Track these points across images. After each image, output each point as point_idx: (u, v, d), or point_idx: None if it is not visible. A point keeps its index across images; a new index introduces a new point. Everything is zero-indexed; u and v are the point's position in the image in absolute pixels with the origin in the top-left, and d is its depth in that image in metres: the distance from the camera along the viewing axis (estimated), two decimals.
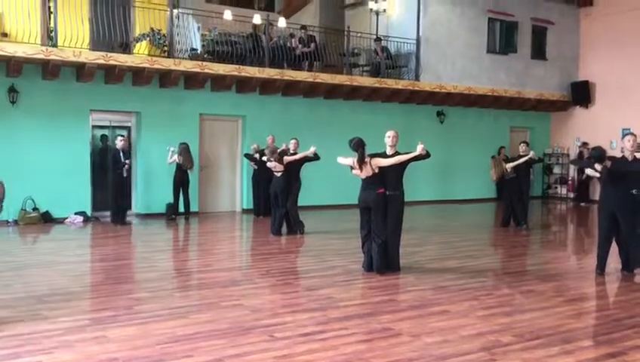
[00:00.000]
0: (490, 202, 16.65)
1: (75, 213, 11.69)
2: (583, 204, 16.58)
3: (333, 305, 5.70)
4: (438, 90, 15.31)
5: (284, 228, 10.29)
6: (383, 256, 7.05)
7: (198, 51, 12.79)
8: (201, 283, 6.82)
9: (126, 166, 11.33)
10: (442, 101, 15.97)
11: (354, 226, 11.82)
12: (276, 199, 10.15)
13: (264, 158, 10.65)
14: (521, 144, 11.71)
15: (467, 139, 16.90)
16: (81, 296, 6.06)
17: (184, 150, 12.02)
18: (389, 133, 7.37)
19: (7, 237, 10.22)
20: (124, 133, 13.17)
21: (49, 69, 11.03)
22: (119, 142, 11.40)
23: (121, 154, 11.34)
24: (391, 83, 14.61)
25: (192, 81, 12.62)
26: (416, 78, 15.10)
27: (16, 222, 11.18)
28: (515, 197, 11.47)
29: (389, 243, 7.14)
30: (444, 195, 16.55)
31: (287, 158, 10.04)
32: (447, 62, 15.66)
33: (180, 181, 12.11)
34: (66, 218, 11.58)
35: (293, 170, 10.15)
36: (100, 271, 7.49)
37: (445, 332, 4.91)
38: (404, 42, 15.01)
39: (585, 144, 16.39)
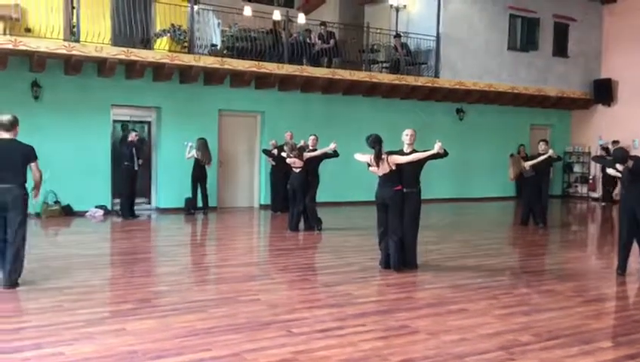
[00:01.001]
0: (509, 200, 16.51)
1: (96, 207, 11.83)
2: (603, 204, 16.36)
3: (350, 302, 5.70)
4: (457, 87, 15.21)
5: (301, 224, 10.30)
6: (399, 253, 7.02)
7: (218, 47, 12.85)
8: (219, 277, 6.87)
9: (139, 161, 11.48)
10: (462, 98, 15.86)
11: (372, 223, 11.81)
12: (294, 195, 10.17)
13: (283, 154, 10.65)
14: (541, 142, 11.55)
15: (486, 136, 16.76)
16: (101, 289, 6.15)
17: (202, 145, 12.10)
18: (407, 132, 7.35)
19: (29, 230, 10.21)
20: (145, 127, 13.31)
21: (71, 64, 11.16)
22: (132, 136, 11.52)
23: (134, 148, 11.45)
24: (410, 80, 14.55)
25: (212, 76, 12.68)
26: (436, 74, 15.01)
27: (38, 214, 11.35)
28: (534, 197, 11.37)
29: (406, 240, 7.11)
30: (462, 193, 16.45)
31: (306, 154, 10.05)
32: (467, 58, 15.54)
33: (198, 176, 12.19)
34: (87, 211, 11.72)
35: (311, 166, 10.16)
36: (120, 264, 7.58)
37: (463, 331, 4.89)
38: (423, 39, 14.93)
39: (615, 142, 15.89)
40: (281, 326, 4.89)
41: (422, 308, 5.57)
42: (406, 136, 7.34)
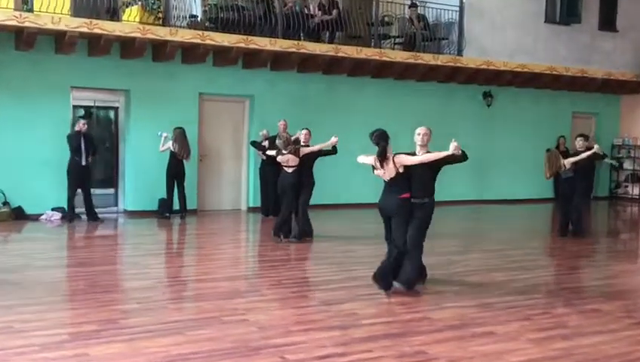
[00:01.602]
0: (546, 203, 16.53)
1: (53, 209, 11.84)
2: None
3: (355, 323, 5.72)
4: (484, 67, 15.22)
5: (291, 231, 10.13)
6: (389, 266, 6.86)
7: (199, 19, 12.86)
8: (200, 293, 6.88)
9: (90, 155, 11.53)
10: (490, 80, 15.87)
11: (379, 229, 11.86)
12: (283, 197, 10.11)
13: (271, 152, 10.48)
14: (578, 138, 11.23)
15: (519, 126, 16.79)
16: (59, 307, 6.17)
17: (179, 136, 12.11)
18: (420, 131, 7.11)
19: None
20: (111, 114, 13.34)
21: (23, 39, 11.17)
22: (80, 125, 11.52)
23: (82, 139, 11.46)
24: (428, 58, 14.56)
25: (191, 54, 12.69)
26: (459, 52, 15.02)
27: None
28: (570, 201, 11.12)
29: (408, 255, 6.86)
30: (489, 194, 16.47)
31: (304, 150, 9.96)
32: (496, 33, 15.56)
33: (175, 173, 12.20)
34: (42, 214, 11.74)
35: (306, 164, 10.07)
36: (82, 277, 7.57)
37: (490, 358, 4.90)
38: (444, 9, 14.94)
39: None
40: (274, 351, 4.91)
41: (441, 330, 5.59)
42: (418, 135, 7.10)
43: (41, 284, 7.04)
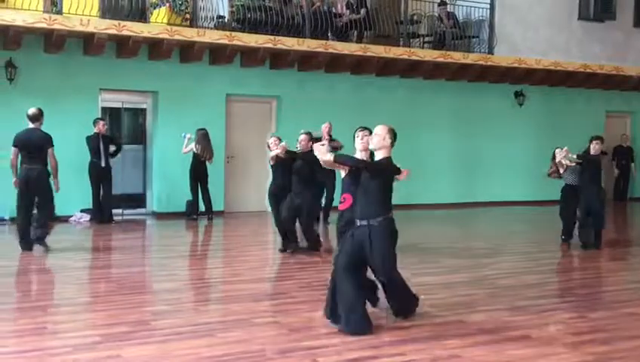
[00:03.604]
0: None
1: (82, 211, 12.01)
2: None
3: (386, 326, 5.72)
4: (516, 65, 15.11)
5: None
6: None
7: (226, 19, 12.96)
8: (229, 295, 6.93)
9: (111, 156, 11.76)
10: (522, 79, 15.76)
11: (410, 231, 11.84)
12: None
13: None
14: (594, 142, 9.99)
15: (552, 125, 16.60)
16: (90, 308, 6.26)
17: (202, 137, 12.22)
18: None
19: (2, 238, 10.62)
20: (139, 116, 13.51)
21: (52, 41, 11.36)
22: (99, 127, 11.67)
23: (101, 141, 11.62)
24: (458, 57, 14.49)
25: (219, 55, 12.80)
26: (490, 50, 14.93)
27: (12, 219, 11.55)
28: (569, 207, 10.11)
29: None
30: (523, 195, 16.31)
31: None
32: (528, 31, 15.44)
33: (198, 174, 12.32)
34: (71, 216, 11.91)
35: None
36: (112, 278, 7.71)
37: None
38: (475, 7, 14.86)
39: None
40: (305, 354, 4.93)
41: (475, 334, 5.56)
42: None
43: (72, 285, 7.16)
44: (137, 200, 13.28)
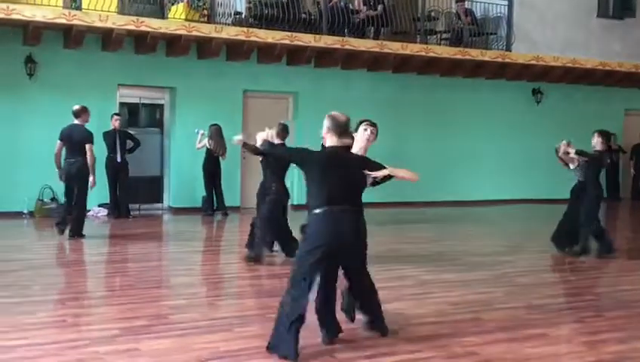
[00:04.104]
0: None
1: (99, 205, 12.09)
2: None
3: (403, 322, 5.71)
4: (534, 62, 15.02)
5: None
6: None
7: (243, 15, 12.98)
8: (246, 290, 6.96)
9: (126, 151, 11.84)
10: (539, 76, 15.67)
11: (428, 228, 11.82)
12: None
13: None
14: (594, 134, 9.26)
15: (570, 123, 16.41)
16: (109, 302, 6.31)
17: (215, 133, 12.26)
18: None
19: (22, 231, 10.73)
20: (157, 111, 13.57)
21: (72, 37, 11.44)
22: (114, 122, 11.74)
23: (117, 136, 11.69)
24: (476, 54, 14.43)
25: (236, 51, 12.82)
26: (508, 47, 14.86)
27: (31, 213, 11.68)
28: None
29: None
30: (540, 193, 16.22)
31: None
32: (546, 28, 15.35)
33: (211, 169, 12.37)
34: (89, 210, 11.98)
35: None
36: (130, 273, 7.76)
37: (544, 361, 4.85)
38: (492, 3, 14.79)
39: None
40: (321, 350, 4.93)
41: (492, 331, 5.54)
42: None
43: (91, 279, 7.23)
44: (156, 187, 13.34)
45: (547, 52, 15.18)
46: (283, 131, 8.09)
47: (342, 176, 4.90)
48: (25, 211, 11.64)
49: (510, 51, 14.84)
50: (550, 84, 16.10)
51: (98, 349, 4.80)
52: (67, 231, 9.45)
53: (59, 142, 9.46)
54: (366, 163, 5.14)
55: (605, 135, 9.35)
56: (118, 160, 11.81)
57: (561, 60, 15.30)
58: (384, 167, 5.13)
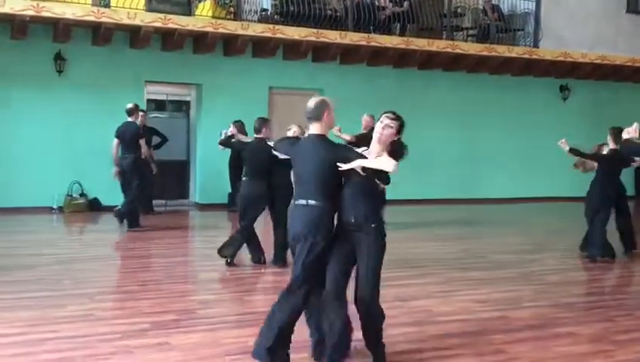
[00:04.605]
0: (630, 200, 15.99)
1: None
2: None
3: (430, 320, 5.71)
4: (562, 59, 14.87)
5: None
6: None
7: (269, 12, 13.01)
8: (274, 286, 6.97)
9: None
10: (567, 73, 15.52)
11: (452, 226, 11.77)
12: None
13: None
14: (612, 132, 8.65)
15: (598, 121, 16.23)
16: (138, 296, 6.37)
17: (238, 129, 12.26)
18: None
19: (52, 227, 10.89)
20: (183, 108, 13.67)
21: (100, 34, 11.56)
22: (138, 117, 11.77)
23: (141, 131, 11.75)
24: (503, 50, 14.32)
25: (262, 47, 12.87)
26: (535, 44, 14.73)
27: (61, 209, 11.84)
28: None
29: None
30: (568, 191, 16.04)
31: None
32: (574, 24, 15.19)
33: (237, 166, 12.38)
34: (116, 206, 12.10)
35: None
36: (158, 268, 7.83)
37: (573, 360, 4.82)
38: None
39: None
40: (350, 345, 4.93)
41: (520, 330, 5.52)
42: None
43: (119, 274, 7.32)
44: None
45: (575, 48, 15.02)
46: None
47: (304, 167, 4.40)
48: (54, 206, 11.80)
49: (538, 48, 14.71)
50: (578, 81, 15.92)
51: (129, 343, 4.86)
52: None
53: (115, 140, 10.11)
54: (336, 153, 4.33)
55: (614, 131, 8.74)
56: (142, 156, 11.85)
57: (589, 57, 15.13)
58: (361, 158, 4.25)
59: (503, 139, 15.26)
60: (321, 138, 4.45)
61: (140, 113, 11.88)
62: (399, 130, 4.46)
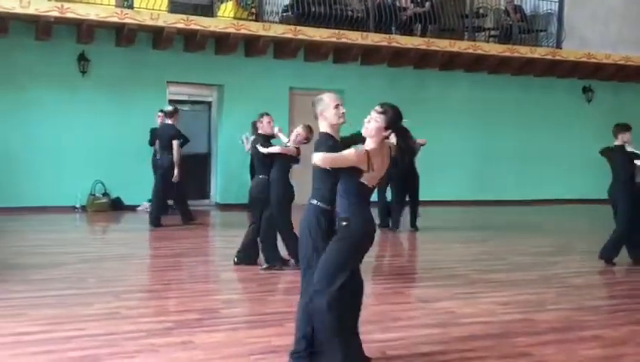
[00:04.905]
0: None
1: (149, 201, 12.27)
2: None
3: (454, 321, 5.68)
4: (585, 59, 14.77)
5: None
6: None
7: (290, 13, 13.03)
8: (295, 286, 6.97)
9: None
10: (590, 74, 15.41)
11: (478, 226, 11.71)
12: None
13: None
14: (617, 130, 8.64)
15: (622, 122, 16.13)
16: (162, 295, 6.43)
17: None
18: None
19: (75, 226, 10.99)
20: (205, 108, 13.74)
21: (124, 35, 11.67)
22: (159, 119, 11.84)
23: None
24: (525, 51, 14.25)
25: (283, 48, 12.90)
26: (558, 44, 14.64)
27: (83, 208, 11.95)
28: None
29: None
30: (590, 193, 15.90)
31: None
32: (597, 24, 15.08)
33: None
34: (139, 206, 12.22)
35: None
36: (180, 267, 7.88)
37: None
38: (543, 0, 14.58)
39: None
40: (374, 347, 4.92)
41: (545, 332, 5.47)
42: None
43: (143, 272, 7.37)
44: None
45: (599, 49, 14.90)
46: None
47: None
48: (77, 206, 11.92)
49: (560, 48, 14.63)
50: (601, 82, 15.80)
51: (154, 341, 4.89)
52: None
53: (157, 141, 10.70)
54: (317, 146, 4.34)
55: (617, 128, 8.77)
56: (158, 156, 11.91)
57: (612, 58, 15.01)
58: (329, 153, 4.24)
59: (525, 141, 15.16)
60: (321, 135, 4.45)
61: (160, 114, 11.95)
62: (390, 123, 4.32)
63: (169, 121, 10.57)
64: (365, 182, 4.22)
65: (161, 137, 10.64)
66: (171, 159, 10.34)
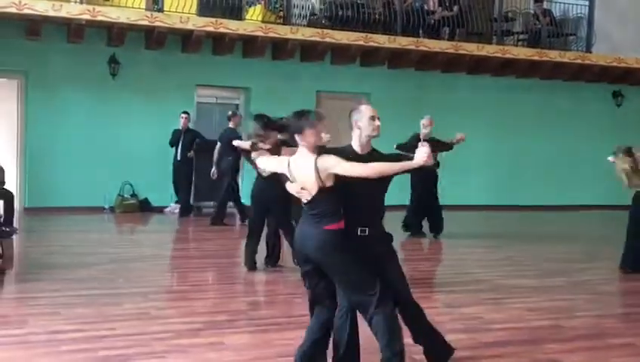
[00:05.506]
0: None
1: (176, 202, 12.42)
2: None
3: (482, 327, 5.67)
4: (615, 64, 14.61)
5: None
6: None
7: (317, 17, 13.08)
8: None
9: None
10: (621, 79, 15.24)
11: (504, 231, 11.65)
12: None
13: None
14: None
15: None
16: (190, 296, 6.49)
17: None
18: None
19: (104, 226, 11.13)
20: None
21: (153, 38, 11.80)
22: (182, 120, 11.93)
23: (182, 134, 11.91)
24: (554, 55, 14.13)
25: (310, 52, 12.95)
26: (588, 48, 14.51)
27: (112, 208, 12.10)
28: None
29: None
30: (620, 199, 15.68)
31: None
32: (628, 28, 14.91)
33: None
34: (166, 207, 12.34)
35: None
36: (208, 268, 7.96)
37: None
38: (572, 4, 14.46)
39: None
40: None
41: (574, 339, 5.44)
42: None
43: (171, 273, 7.46)
44: None
45: (629, 53, 14.73)
46: None
47: None
48: (106, 206, 12.07)
49: (590, 52, 14.49)
50: (632, 87, 15.61)
51: (184, 342, 4.96)
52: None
53: (218, 143, 10.93)
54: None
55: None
56: (178, 158, 12.02)
57: None
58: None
59: (553, 146, 15.03)
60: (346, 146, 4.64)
61: (183, 116, 12.03)
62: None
63: (230, 125, 10.96)
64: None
65: (222, 140, 10.86)
66: (229, 162, 10.78)
